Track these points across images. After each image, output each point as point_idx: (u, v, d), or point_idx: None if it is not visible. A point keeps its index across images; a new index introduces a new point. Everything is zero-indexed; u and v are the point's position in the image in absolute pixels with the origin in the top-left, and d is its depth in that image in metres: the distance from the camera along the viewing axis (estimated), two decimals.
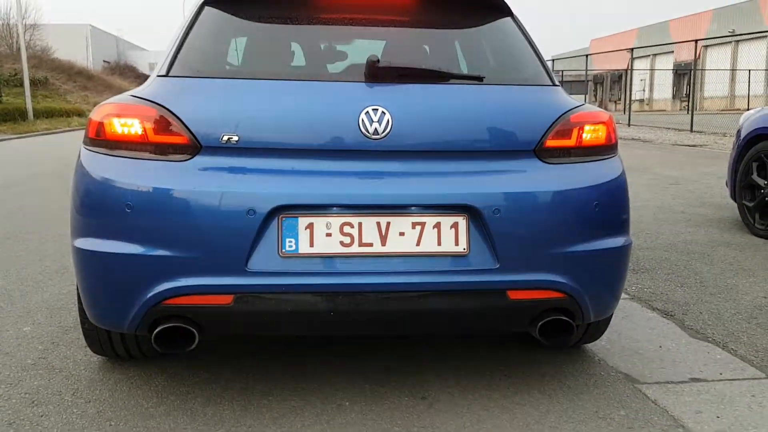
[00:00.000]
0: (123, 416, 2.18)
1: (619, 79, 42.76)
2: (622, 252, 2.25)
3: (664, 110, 38.85)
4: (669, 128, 18.02)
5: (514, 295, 2.09)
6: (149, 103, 2.09)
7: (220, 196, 1.98)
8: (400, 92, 2.14)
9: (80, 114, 29.99)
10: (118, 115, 2.09)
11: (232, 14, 2.36)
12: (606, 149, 2.33)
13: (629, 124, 20.24)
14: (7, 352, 2.71)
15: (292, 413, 2.20)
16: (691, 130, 16.73)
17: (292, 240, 1.99)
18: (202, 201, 1.98)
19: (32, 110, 24.61)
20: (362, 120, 2.04)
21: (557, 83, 2.40)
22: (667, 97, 42.58)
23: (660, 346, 2.81)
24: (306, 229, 2.00)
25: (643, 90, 44.31)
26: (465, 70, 2.45)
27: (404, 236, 2.03)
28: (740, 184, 5.19)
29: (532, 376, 2.51)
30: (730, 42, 35.85)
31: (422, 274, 2.03)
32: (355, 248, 2.01)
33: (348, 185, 2.04)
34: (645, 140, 15.53)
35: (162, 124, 2.05)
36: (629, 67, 24.92)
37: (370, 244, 2.02)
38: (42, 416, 2.17)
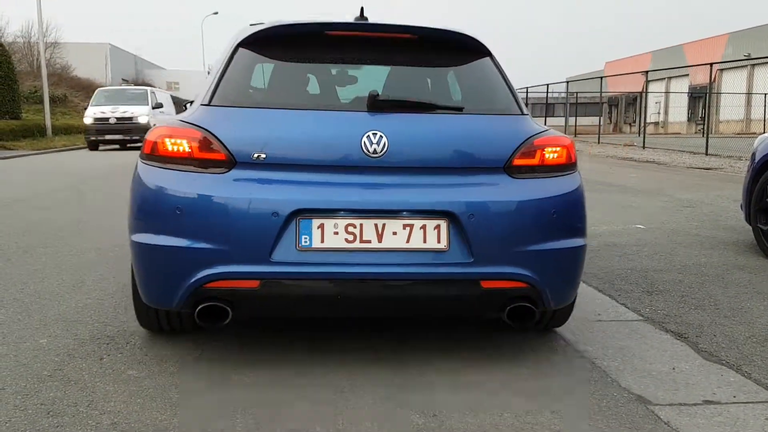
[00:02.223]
0: (137, 428, 2.20)
1: (634, 102, 42.73)
2: (578, 251, 2.73)
3: (679, 133, 38.69)
4: (684, 151, 17.95)
5: (486, 284, 2.55)
6: (195, 126, 2.59)
7: (251, 201, 2.46)
8: (394, 120, 2.63)
9: None
10: (170, 136, 2.61)
11: (260, 53, 2.90)
12: (565, 167, 2.78)
13: (644, 147, 20.17)
14: (24, 364, 2.75)
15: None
16: (707, 153, 16.66)
17: (307, 237, 2.47)
18: (237, 205, 2.46)
19: (51, 127, 24.93)
20: (364, 142, 2.53)
21: (526, 112, 2.89)
22: (682, 120, 42.46)
23: (673, 368, 2.79)
24: (318, 228, 2.47)
25: (658, 113, 44.23)
26: (449, 102, 2.97)
27: (396, 235, 2.50)
28: (755, 207, 5.17)
29: (545, 395, 2.50)
30: (746, 66, 35.75)
31: (411, 265, 2.51)
32: (357, 244, 2.48)
33: (352, 194, 2.52)
34: (660, 163, 15.48)
35: (205, 144, 2.55)
36: (644, 90, 24.91)
37: (369, 241, 2.49)
38: (58, 427, 2.20)
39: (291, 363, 2.77)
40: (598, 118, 27.14)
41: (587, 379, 2.67)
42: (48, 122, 24.88)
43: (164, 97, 23.97)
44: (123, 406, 2.35)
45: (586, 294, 3.96)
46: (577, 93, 33.08)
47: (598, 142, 23.86)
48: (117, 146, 21.29)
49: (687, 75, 40.74)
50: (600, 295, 3.94)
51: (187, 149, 2.56)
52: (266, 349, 2.97)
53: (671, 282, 4.24)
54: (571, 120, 29.05)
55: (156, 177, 2.59)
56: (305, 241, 2.47)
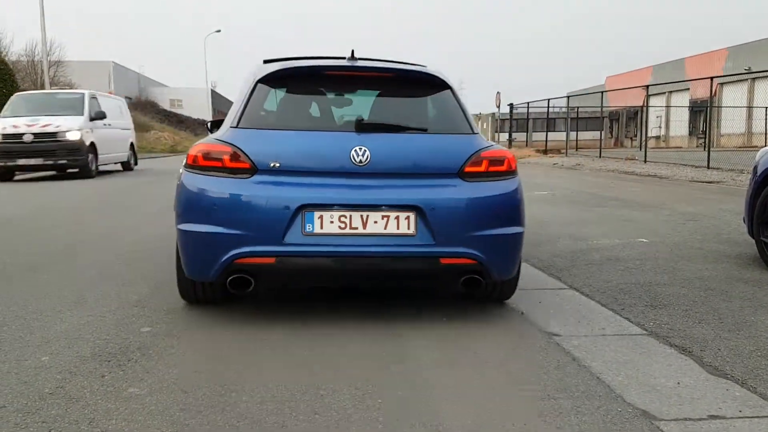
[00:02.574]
0: None
1: (635, 116, 42.81)
2: (517, 237, 3.56)
3: (681, 147, 38.71)
4: (686, 165, 17.95)
5: (444, 261, 3.34)
6: (227, 143, 3.41)
7: (268, 199, 3.26)
8: (375, 138, 3.44)
9: None
10: (208, 149, 3.43)
11: (274, 87, 3.75)
12: (506, 173, 3.57)
13: (645, 161, 20.18)
14: (26, 381, 2.74)
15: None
16: (708, 167, 16.65)
17: (310, 224, 3.26)
18: (258, 202, 3.26)
19: None
20: (352, 155, 3.32)
21: (476, 131, 3.71)
22: (683, 134, 42.48)
23: (678, 383, 2.78)
24: (318, 218, 3.26)
25: (659, 127, 44.27)
26: (416, 124, 3.74)
27: (377, 223, 3.29)
28: (758, 220, 5.16)
29: (548, 414, 2.49)
30: (746, 79, 35.83)
31: (387, 246, 3.29)
32: (347, 230, 3.27)
33: (343, 193, 3.29)
34: (662, 176, 15.48)
35: (235, 156, 3.35)
36: (645, 104, 24.96)
37: (356, 228, 3.28)
38: None
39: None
40: (599, 132, 27.19)
41: (591, 393, 2.66)
42: None
43: (112, 104, 17.74)
44: (124, 424, 2.34)
45: (589, 308, 3.95)
46: (578, 108, 33.16)
47: (600, 156, 23.88)
48: (49, 172, 15.53)
49: (688, 89, 40.81)
50: (603, 310, 3.92)
51: (221, 160, 3.38)
52: (269, 358, 2.96)
53: (675, 296, 4.22)
54: (572, 134, 29.10)
55: (197, 181, 3.40)
56: (309, 228, 3.27)
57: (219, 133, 3.62)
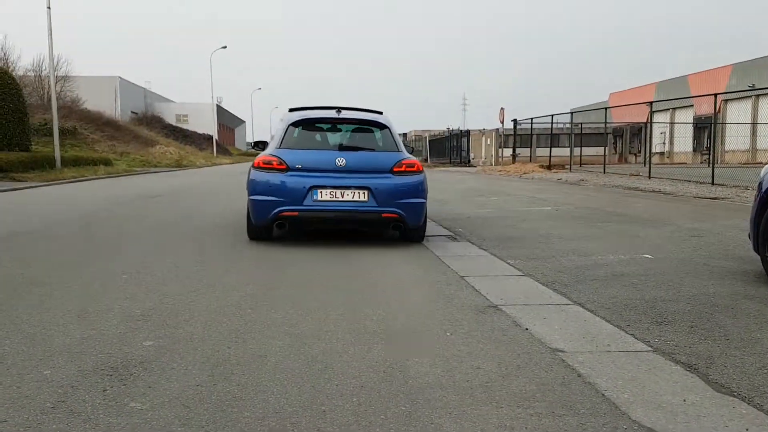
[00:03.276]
0: None
1: (639, 132, 42.81)
2: (420, 204, 6.87)
3: (685, 163, 38.68)
4: (690, 181, 17.92)
5: (383, 215, 6.69)
6: (274, 156, 6.83)
7: (295, 182, 6.62)
8: (349, 153, 6.84)
9: (107, 163, 30.53)
10: (265, 158, 6.86)
11: (297, 126, 7.26)
12: (415, 172, 6.90)
13: (650, 177, 20.15)
14: (27, 395, 2.72)
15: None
16: (713, 183, 16.62)
17: (316, 195, 6.59)
18: (290, 184, 6.63)
19: (60, 159, 25.10)
20: (336, 161, 6.73)
21: (402, 150, 7.17)
22: (687, 150, 42.49)
23: (684, 400, 2.75)
24: (319, 192, 6.61)
25: (663, 143, 44.29)
26: (371, 146, 7.23)
27: (349, 195, 6.61)
28: (763, 237, 5.13)
29: (556, 429, 2.46)
30: (750, 96, 35.87)
31: (354, 206, 6.63)
32: (334, 198, 6.60)
33: (332, 180, 6.64)
34: (666, 193, 15.45)
35: (279, 161, 6.76)
36: (649, 120, 24.97)
37: (338, 198, 6.61)
38: None
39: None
40: (602, 148, 27.20)
41: (597, 411, 2.63)
42: (57, 154, 25.07)
43: None
44: None
45: (594, 324, 3.92)
46: (581, 124, 33.20)
47: (604, 172, 23.87)
48: None
49: (692, 105, 40.87)
50: (608, 326, 3.89)
51: (271, 163, 6.78)
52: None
53: (680, 312, 4.19)
54: (576, 150, 29.12)
55: (260, 174, 6.80)
56: (315, 197, 6.57)
57: (269, 150, 7.14)
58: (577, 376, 3.03)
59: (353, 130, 7.45)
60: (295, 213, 6.63)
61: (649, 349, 3.45)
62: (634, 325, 3.90)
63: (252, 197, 6.83)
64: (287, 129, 7.17)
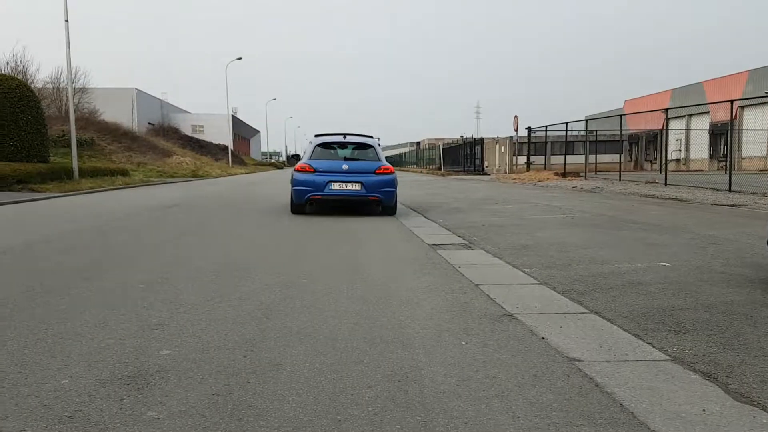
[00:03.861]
0: None
1: (655, 139, 42.54)
2: (392, 191, 12.18)
3: (701, 170, 38.35)
4: (707, 188, 17.76)
5: (370, 198, 12.05)
6: (307, 164, 12.29)
7: (319, 178, 11.98)
8: (351, 162, 12.32)
9: (124, 173, 30.80)
10: (301, 165, 12.28)
11: (319, 147, 12.89)
12: (390, 173, 12.20)
13: (666, 184, 20.00)
14: (45, 404, 2.74)
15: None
16: (730, 190, 16.47)
17: (331, 186, 11.93)
18: (316, 180, 12.00)
19: (78, 170, 25.36)
20: (343, 167, 12.13)
21: (382, 160, 12.68)
22: (703, 157, 42.14)
23: (703, 410, 2.71)
24: (333, 184, 11.96)
25: (679, 150, 43.97)
26: (366, 158, 12.72)
27: (350, 186, 11.93)
28: None
29: None
30: (767, 102, 35.54)
31: (353, 193, 11.98)
32: (341, 188, 11.96)
33: (340, 177, 11.98)
34: (683, 200, 15.33)
35: (309, 167, 12.13)
36: (664, 128, 24.80)
37: (344, 188, 11.97)
38: None
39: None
40: (618, 155, 27.04)
41: (615, 421, 2.60)
42: (75, 165, 25.32)
43: None
44: None
45: (611, 333, 3.88)
46: (596, 131, 33.05)
47: (619, 179, 23.73)
48: None
49: (707, 112, 40.57)
50: (626, 334, 3.86)
51: (305, 168, 12.16)
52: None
53: (698, 321, 4.15)
54: (591, 157, 28.98)
55: (299, 174, 12.13)
56: (330, 188, 11.90)
57: (303, 161, 12.43)
58: (594, 385, 3.00)
59: (353, 148, 12.88)
60: (319, 196, 12.00)
61: (668, 358, 3.41)
62: (652, 333, 3.87)
63: (294, 187, 12.18)
64: (314, 148, 12.81)
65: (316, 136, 13.31)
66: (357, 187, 11.87)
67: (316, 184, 11.85)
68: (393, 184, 12.15)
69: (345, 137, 12.91)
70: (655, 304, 4.59)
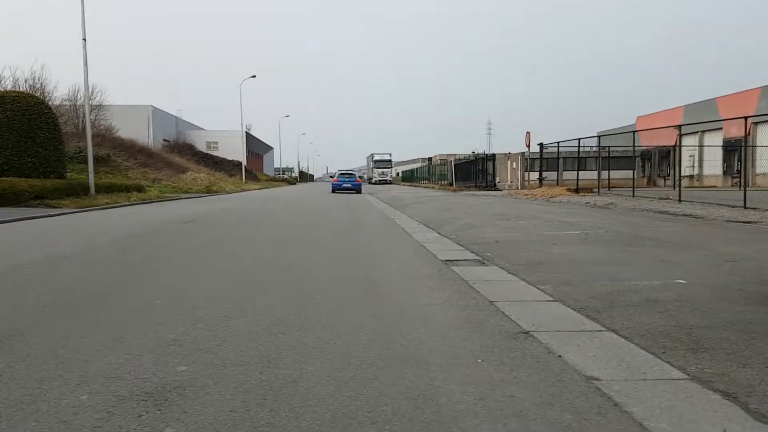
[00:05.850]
0: None
1: (667, 155, 42.34)
2: (360, 185, 44.65)
3: (715, 186, 38.08)
4: (721, 204, 17.61)
5: (353, 188, 43.69)
6: (336, 177, 47.21)
7: (339, 183, 44.55)
8: (346, 178, 45.53)
9: (140, 189, 31.02)
10: (334, 179, 47.24)
11: (338, 173, 47.95)
12: (359, 183, 44.94)
13: (680, 200, 19.86)
14: (65, 420, 2.75)
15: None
16: (745, 207, 16.32)
17: (341, 185, 43.90)
18: (338, 183, 44.66)
19: (94, 185, 25.58)
20: (344, 180, 45.18)
21: (358, 177, 46.95)
22: (717, 173, 41.85)
23: (724, 430, 2.67)
24: (342, 185, 44.05)
25: (693, 166, 43.69)
26: (352, 175, 47.21)
27: (347, 185, 43.66)
28: None
29: None
30: None
31: (350, 187, 43.62)
32: (345, 186, 43.80)
33: (345, 182, 44.22)
34: (697, 216, 15.21)
35: (336, 179, 46.44)
36: (677, 144, 24.69)
37: (347, 186, 43.88)
38: None
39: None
40: (630, 171, 26.92)
41: None
42: (92, 181, 25.54)
43: None
44: None
45: (629, 351, 3.85)
46: (609, 147, 32.91)
47: (633, 196, 23.59)
48: None
49: (721, 128, 40.35)
50: (644, 353, 3.81)
51: (333, 177, 48.01)
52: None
53: (717, 339, 4.10)
54: (604, 173, 28.86)
55: (334, 181, 45.39)
56: (341, 186, 43.43)
57: (335, 177, 46.45)
58: (613, 405, 2.97)
59: (349, 174, 44.44)
60: (338, 188, 42.22)
61: (686, 377, 3.37)
62: (670, 352, 3.82)
63: (332, 184, 44.13)
64: (336, 173, 46.17)
65: (340, 170, 46.08)
66: (349, 185, 41.67)
67: (338, 185, 42.41)
68: (360, 184, 42.94)
69: (346, 170, 45.85)
70: (672, 322, 4.54)
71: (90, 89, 29.65)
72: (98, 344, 3.97)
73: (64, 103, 44.90)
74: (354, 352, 3.80)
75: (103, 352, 3.80)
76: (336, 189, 44.91)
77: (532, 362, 3.63)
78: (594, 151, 35.29)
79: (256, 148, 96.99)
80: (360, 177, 49.51)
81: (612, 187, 28.06)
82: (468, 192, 39.32)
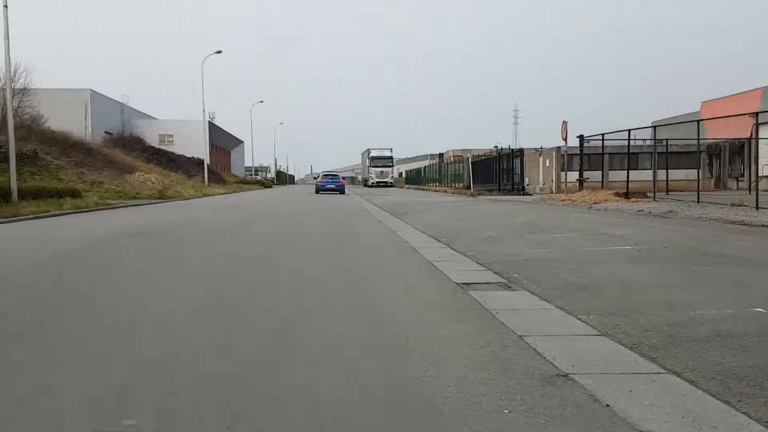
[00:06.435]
0: None
1: (741, 150, 42.47)
2: (343, 186, 65.31)
3: None
4: None
5: (337, 190, 62.58)
6: (320, 179, 67.50)
7: (323, 184, 62.98)
8: (330, 180, 65.24)
9: (75, 195, 31.03)
10: (318, 179, 67.01)
11: (322, 173, 71.52)
12: (342, 183, 65.59)
13: (757, 207, 19.90)
14: None
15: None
16: None
17: (325, 186, 62.02)
18: (321, 184, 63.33)
19: (17, 190, 25.54)
20: (328, 181, 65.50)
21: (341, 179, 66.50)
22: None
23: None
24: (325, 185, 62.65)
25: None
26: (335, 177, 67.63)
27: (331, 186, 61.77)
28: None
29: None
30: None
31: (333, 189, 61.98)
32: (329, 187, 61.55)
33: (328, 183, 62.92)
34: None
35: (320, 179, 66.46)
36: (753, 136, 24.76)
37: (330, 187, 62.12)
38: None
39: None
40: (695, 171, 26.98)
41: None
42: (14, 184, 25.54)
43: None
44: None
45: (695, 399, 3.84)
46: (667, 140, 33.02)
47: (698, 202, 23.65)
48: None
49: None
50: (713, 401, 3.81)
51: (317, 178, 71.26)
52: None
53: None
54: (661, 174, 28.94)
55: (318, 183, 64.70)
56: (325, 186, 61.11)
57: (319, 178, 66.61)
58: None
59: (332, 176, 63.58)
60: (323, 188, 59.14)
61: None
62: (748, 400, 3.82)
63: (316, 185, 62.55)
64: (320, 174, 68.11)
65: (323, 172, 69.40)
66: (333, 186, 59.34)
67: (322, 186, 59.82)
68: (343, 185, 62.58)
69: (329, 172, 68.88)
70: (749, 362, 4.54)
71: (12, 68, 29.68)
72: (22, 393, 3.95)
73: None
74: (350, 397, 3.79)
75: (29, 401, 3.79)
76: (320, 189, 60.74)
77: (573, 414, 3.63)
78: (648, 146, 35.40)
79: (223, 142, 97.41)
80: (343, 178, 69.12)
81: (671, 191, 28.16)
82: (489, 197, 39.44)
